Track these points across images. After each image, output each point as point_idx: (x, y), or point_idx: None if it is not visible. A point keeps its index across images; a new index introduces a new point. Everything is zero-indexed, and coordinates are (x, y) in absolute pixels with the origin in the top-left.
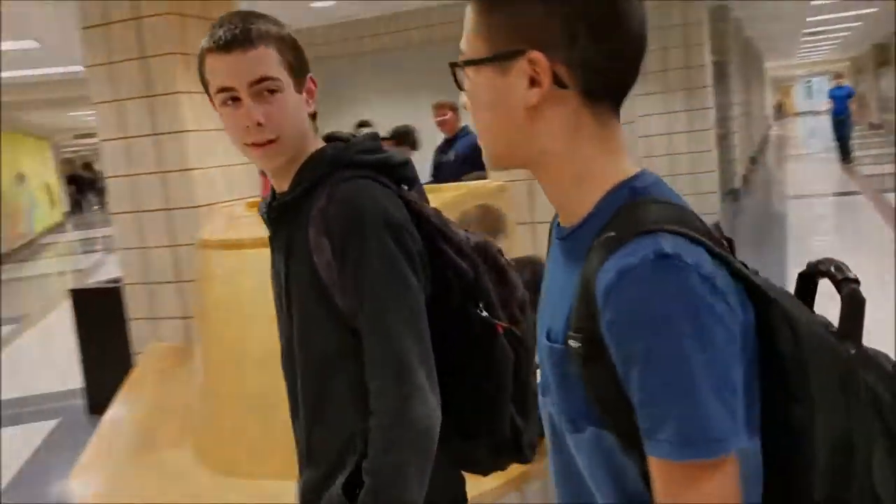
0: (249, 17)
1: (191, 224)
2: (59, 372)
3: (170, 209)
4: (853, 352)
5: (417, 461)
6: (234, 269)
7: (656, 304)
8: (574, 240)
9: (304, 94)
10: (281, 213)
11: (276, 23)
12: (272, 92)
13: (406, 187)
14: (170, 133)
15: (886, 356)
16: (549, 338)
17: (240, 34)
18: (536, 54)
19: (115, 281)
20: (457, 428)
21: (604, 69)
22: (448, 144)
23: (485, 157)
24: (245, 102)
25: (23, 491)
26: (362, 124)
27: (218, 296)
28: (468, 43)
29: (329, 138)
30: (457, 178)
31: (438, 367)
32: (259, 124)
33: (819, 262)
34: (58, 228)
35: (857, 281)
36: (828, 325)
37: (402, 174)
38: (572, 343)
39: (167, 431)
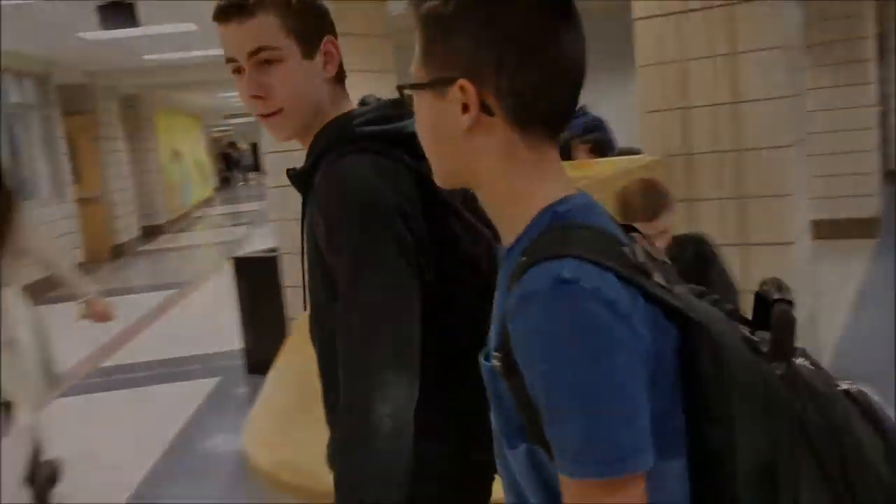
0: None
1: None
2: (218, 334)
3: None
4: (780, 372)
5: (382, 464)
6: None
7: (553, 329)
8: (507, 262)
9: (322, 58)
10: (298, 185)
11: None
12: (272, 62)
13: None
14: None
15: (826, 376)
16: (485, 357)
17: (236, 2)
18: (465, 82)
19: (273, 250)
20: (456, 432)
21: (532, 98)
22: None
23: (434, 175)
24: (245, 74)
25: (189, 441)
26: None
27: None
28: (415, 67)
29: (361, 103)
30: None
31: (440, 365)
32: (258, 97)
33: (765, 281)
34: (208, 203)
35: (790, 302)
36: (759, 344)
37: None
38: (495, 362)
39: None
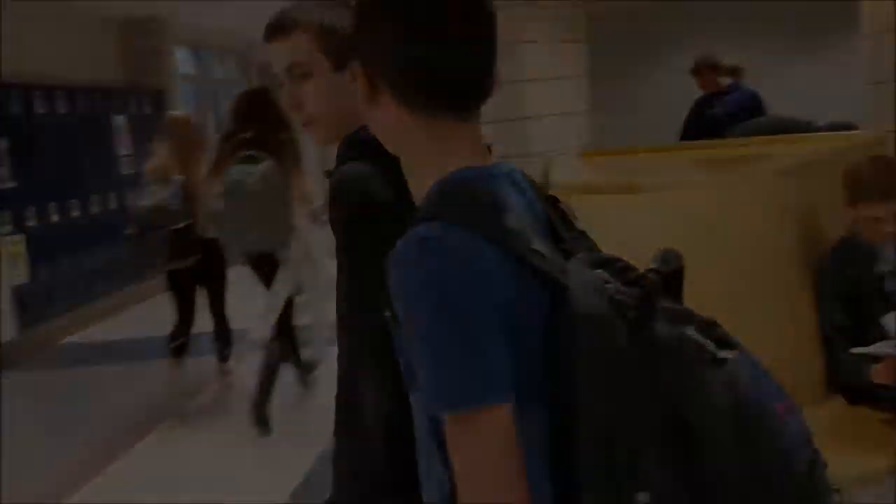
0: (293, 6)
1: (522, 170)
2: None
3: (503, 157)
4: (637, 338)
5: (368, 466)
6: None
7: (412, 280)
8: None
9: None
10: None
11: (321, 6)
12: (305, 76)
13: None
14: (509, 82)
15: (696, 343)
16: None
17: (274, 25)
18: (355, 64)
19: None
20: None
21: (408, 79)
22: (712, 99)
23: None
24: (284, 88)
25: None
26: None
27: None
28: None
29: None
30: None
31: None
32: (294, 108)
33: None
34: None
35: (657, 271)
36: (630, 311)
37: None
38: (387, 312)
39: None
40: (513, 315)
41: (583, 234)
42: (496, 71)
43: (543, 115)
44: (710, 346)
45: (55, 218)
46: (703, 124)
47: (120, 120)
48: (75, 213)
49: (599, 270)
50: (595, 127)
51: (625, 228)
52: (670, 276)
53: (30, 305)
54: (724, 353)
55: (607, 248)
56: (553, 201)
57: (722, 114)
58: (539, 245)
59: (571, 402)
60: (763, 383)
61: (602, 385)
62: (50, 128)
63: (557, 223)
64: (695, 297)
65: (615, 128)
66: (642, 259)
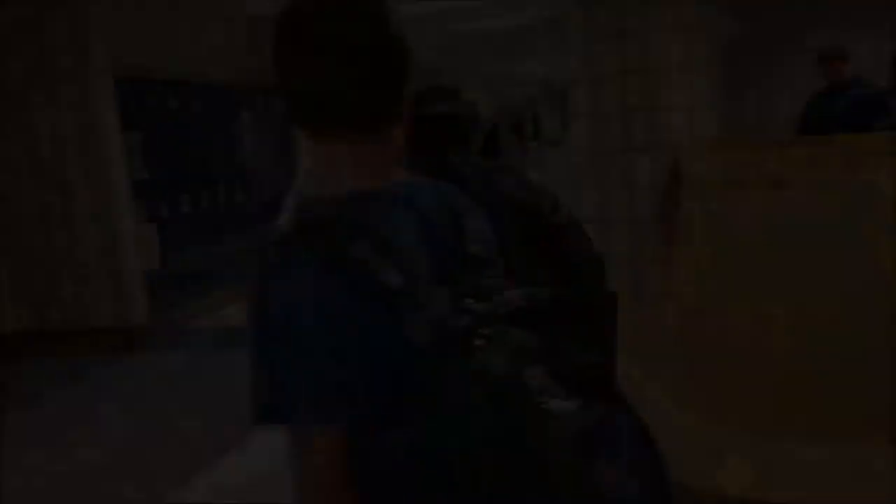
0: None
1: (649, 163)
2: None
3: (630, 148)
4: (459, 375)
5: None
6: (732, 209)
7: (255, 301)
8: None
9: None
10: None
11: None
12: None
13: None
14: (638, 72)
15: (524, 387)
16: None
17: None
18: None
19: None
20: None
21: (292, 107)
22: (834, 93)
23: None
24: None
25: None
26: None
27: (714, 234)
28: None
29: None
30: (851, 129)
31: None
32: None
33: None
34: None
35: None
36: (472, 351)
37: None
38: None
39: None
40: (352, 341)
41: (476, 257)
42: (390, 94)
43: (676, 106)
44: (551, 390)
45: (186, 208)
46: (826, 119)
47: (247, 116)
48: (205, 204)
49: (469, 300)
50: (730, 117)
51: (768, 225)
52: (575, 308)
53: (160, 291)
54: (556, 403)
55: (747, 244)
56: (457, 222)
57: (847, 110)
58: (390, 274)
59: (413, 431)
60: (608, 442)
61: (433, 419)
62: (182, 122)
63: (454, 246)
64: (836, 296)
65: (750, 118)
66: (784, 256)
